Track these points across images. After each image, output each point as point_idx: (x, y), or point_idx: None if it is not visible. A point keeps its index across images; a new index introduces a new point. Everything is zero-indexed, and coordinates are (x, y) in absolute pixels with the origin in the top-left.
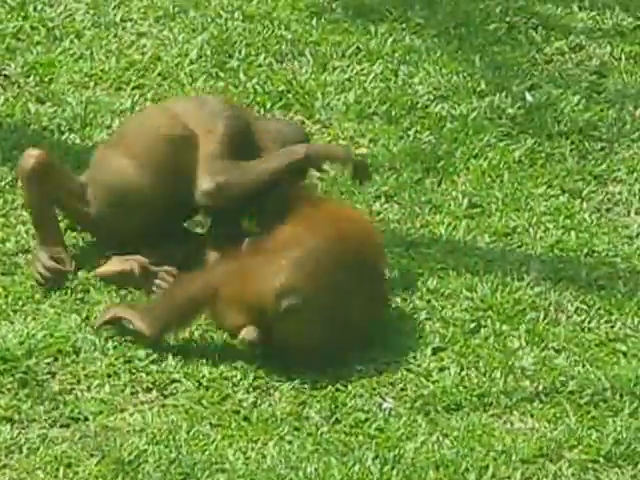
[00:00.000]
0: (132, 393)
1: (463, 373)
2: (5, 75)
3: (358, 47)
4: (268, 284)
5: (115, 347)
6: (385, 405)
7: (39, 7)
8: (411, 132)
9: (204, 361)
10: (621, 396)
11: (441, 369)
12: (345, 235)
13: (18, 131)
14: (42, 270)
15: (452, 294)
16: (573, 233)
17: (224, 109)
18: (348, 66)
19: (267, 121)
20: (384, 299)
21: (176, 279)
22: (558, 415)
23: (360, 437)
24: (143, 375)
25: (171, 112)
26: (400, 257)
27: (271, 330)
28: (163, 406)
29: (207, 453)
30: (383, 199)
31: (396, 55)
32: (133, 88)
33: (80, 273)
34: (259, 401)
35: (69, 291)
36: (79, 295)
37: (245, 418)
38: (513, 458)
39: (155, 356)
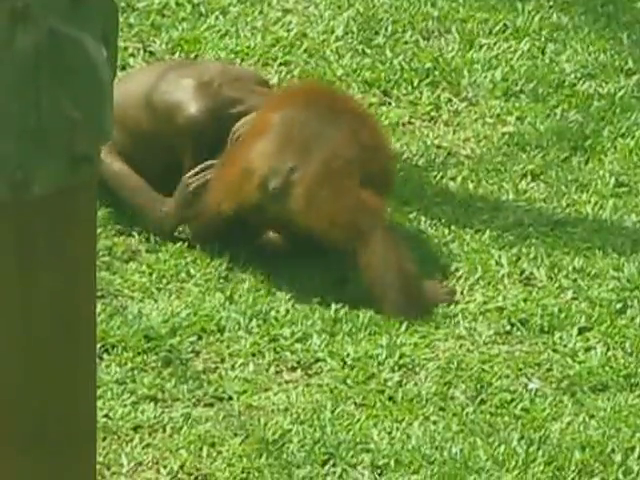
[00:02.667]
0: (276, 372)
1: (609, 353)
2: (150, 52)
3: (505, 24)
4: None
5: (260, 325)
6: (531, 386)
7: None
8: (558, 110)
9: (349, 340)
10: None
11: (587, 349)
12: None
13: None
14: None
15: (598, 274)
16: None
17: None
18: (495, 43)
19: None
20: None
21: None
22: None
23: (506, 418)
24: (288, 354)
25: None
26: (545, 236)
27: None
28: (307, 385)
29: (351, 433)
30: (529, 178)
31: (543, 33)
32: (279, 65)
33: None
34: (404, 380)
35: (213, 269)
36: (223, 273)
37: (390, 398)
38: None
39: (300, 335)
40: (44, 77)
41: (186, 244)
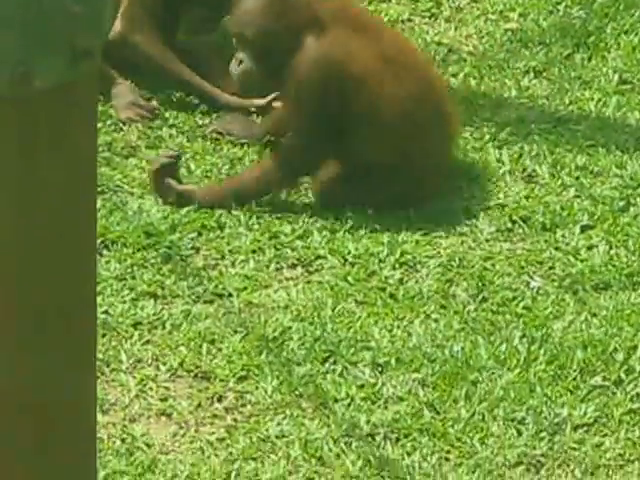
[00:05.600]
0: (277, 269)
1: (612, 252)
2: None
3: None
4: None
5: (260, 222)
6: (533, 284)
7: None
8: (561, 7)
9: (350, 237)
10: None
11: (589, 247)
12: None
13: None
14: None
15: (601, 171)
16: None
17: None
18: None
19: None
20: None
21: None
22: None
23: (507, 316)
24: (288, 251)
25: None
26: (548, 133)
27: None
28: (308, 282)
29: (352, 330)
30: (532, 74)
31: None
32: None
33: (225, 148)
34: (405, 278)
35: (213, 166)
36: (225, 170)
37: (391, 295)
38: None
39: (301, 232)
40: None
41: (186, 138)
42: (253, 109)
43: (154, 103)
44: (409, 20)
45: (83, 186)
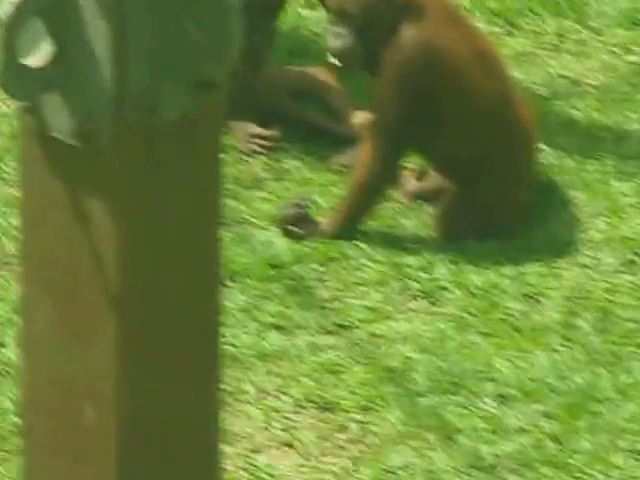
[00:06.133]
0: (401, 301)
1: None
2: None
3: None
4: None
5: (384, 254)
6: None
7: None
8: None
9: (474, 269)
10: None
11: None
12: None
13: None
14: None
15: None
16: None
17: None
18: None
19: None
20: None
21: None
22: None
23: (630, 347)
24: (412, 283)
25: None
26: None
27: None
28: (432, 314)
29: (475, 362)
30: None
31: None
32: None
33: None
34: (528, 310)
35: (337, 198)
36: None
37: (514, 327)
38: None
39: (425, 263)
40: (171, 2)
41: (311, 170)
42: None
43: (274, 132)
44: (533, 53)
45: (208, 218)
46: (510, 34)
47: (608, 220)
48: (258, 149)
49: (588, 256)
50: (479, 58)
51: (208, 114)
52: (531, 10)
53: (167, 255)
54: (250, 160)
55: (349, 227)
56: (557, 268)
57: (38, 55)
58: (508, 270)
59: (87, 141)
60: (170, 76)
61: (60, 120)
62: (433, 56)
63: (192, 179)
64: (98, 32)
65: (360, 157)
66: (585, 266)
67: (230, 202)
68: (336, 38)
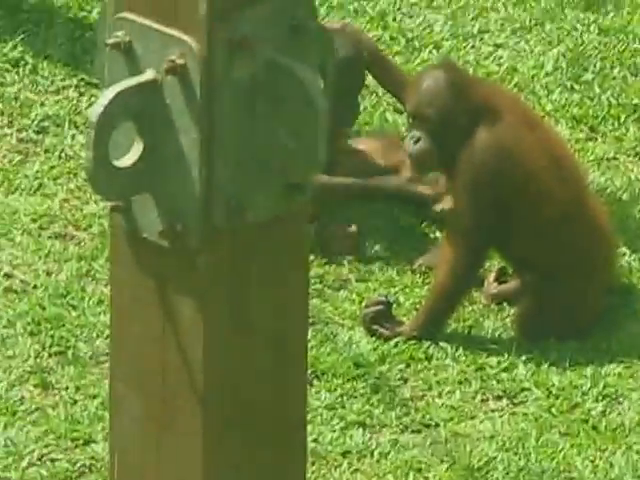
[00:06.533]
0: (482, 400)
1: None
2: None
3: None
4: None
5: (466, 354)
6: None
7: (398, 18)
8: None
9: (554, 369)
10: None
11: None
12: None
13: None
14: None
15: None
16: None
17: None
18: None
19: None
20: None
21: None
22: None
23: None
24: (494, 383)
25: None
26: None
27: None
28: (513, 414)
29: (555, 461)
30: None
31: None
32: None
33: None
34: (608, 410)
35: (421, 298)
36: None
37: (594, 427)
38: None
39: (506, 364)
40: (260, 106)
41: (395, 271)
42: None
43: (353, 228)
44: (614, 158)
45: (295, 317)
46: (592, 139)
47: None
48: (344, 250)
49: None
50: (555, 163)
51: (294, 216)
52: (612, 116)
53: (253, 352)
54: (336, 260)
55: (432, 328)
56: (636, 369)
57: (127, 156)
58: (588, 371)
59: (176, 241)
60: (259, 179)
61: (149, 220)
62: (506, 160)
63: (279, 279)
64: (187, 134)
65: (442, 259)
66: None
67: (316, 301)
68: (414, 142)
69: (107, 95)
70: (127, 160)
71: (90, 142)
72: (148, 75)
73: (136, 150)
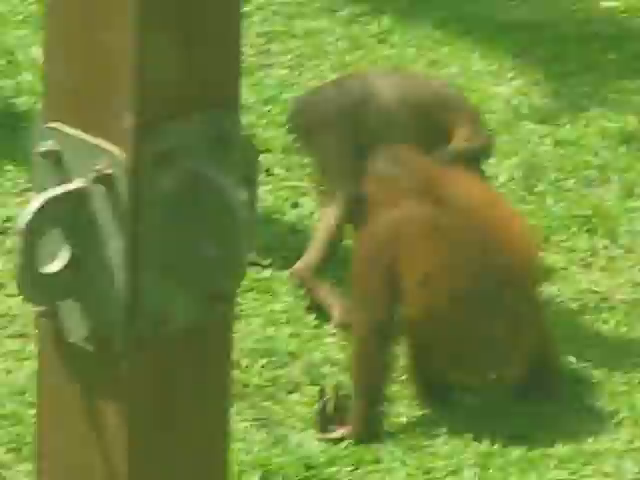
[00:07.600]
0: None
1: None
2: None
3: None
4: None
5: (414, 457)
6: None
7: None
8: None
9: (499, 474)
10: None
11: None
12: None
13: None
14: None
15: None
16: None
17: None
18: None
19: None
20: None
21: None
22: None
23: None
24: None
25: None
26: None
27: None
28: None
29: None
30: None
31: None
32: None
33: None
34: None
35: None
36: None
37: None
38: None
39: (453, 467)
40: (184, 216)
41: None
42: None
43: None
44: (564, 269)
45: (216, 422)
46: (544, 250)
47: (630, 430)
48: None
49: (610, 464)
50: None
51: (218, 325)
52: (565, 226)
53: (176, 455)
54: (289, 363)
55: (372, 426)
56: (581, 475)
57: (54, 262)
58: (533, 477)
59: (101, 347)
60: (182, 288)
61: (75, 325)
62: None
63: (201, 386)
64: (113, 242)
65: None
66: (607, 474)
67: (268, 403)
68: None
69: (35, 203)
70: (53, 267)
71: (18, 249)
72: (76, 184)
73: (63, 257)
